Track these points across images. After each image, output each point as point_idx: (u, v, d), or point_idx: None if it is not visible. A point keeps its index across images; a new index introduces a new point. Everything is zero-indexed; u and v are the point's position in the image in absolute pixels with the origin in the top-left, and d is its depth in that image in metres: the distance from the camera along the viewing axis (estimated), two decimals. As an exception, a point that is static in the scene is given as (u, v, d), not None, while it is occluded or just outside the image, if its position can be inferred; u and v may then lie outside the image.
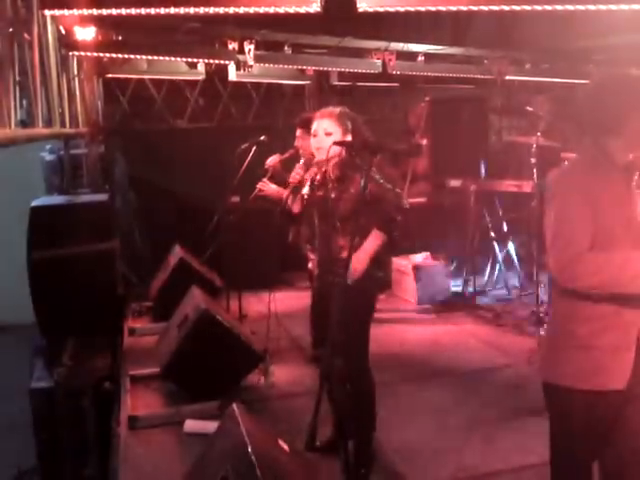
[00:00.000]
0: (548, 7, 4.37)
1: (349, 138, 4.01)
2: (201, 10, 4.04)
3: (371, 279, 4.00)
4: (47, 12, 4.25)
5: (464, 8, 4.35)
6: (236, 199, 6.86)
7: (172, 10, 3.99)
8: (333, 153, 3.93)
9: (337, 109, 4.14)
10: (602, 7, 4.43)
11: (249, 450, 2.86)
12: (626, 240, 2.66)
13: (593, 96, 2.78)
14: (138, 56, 7.14)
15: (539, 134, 6.64)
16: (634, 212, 2.70)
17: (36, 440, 5.63)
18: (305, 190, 4.21)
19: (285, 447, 3.32)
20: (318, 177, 4.21)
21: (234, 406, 3.34)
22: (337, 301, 3.53)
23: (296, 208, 4.30)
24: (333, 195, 4.05)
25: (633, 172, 2.71)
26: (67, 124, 5.48)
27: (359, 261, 3.94)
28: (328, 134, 4.05)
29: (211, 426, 4.18)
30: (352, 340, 3.69)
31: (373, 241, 3.99)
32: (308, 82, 9.79)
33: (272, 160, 5.47)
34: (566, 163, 3.15)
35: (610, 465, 2.86)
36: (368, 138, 4.00)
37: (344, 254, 3.90)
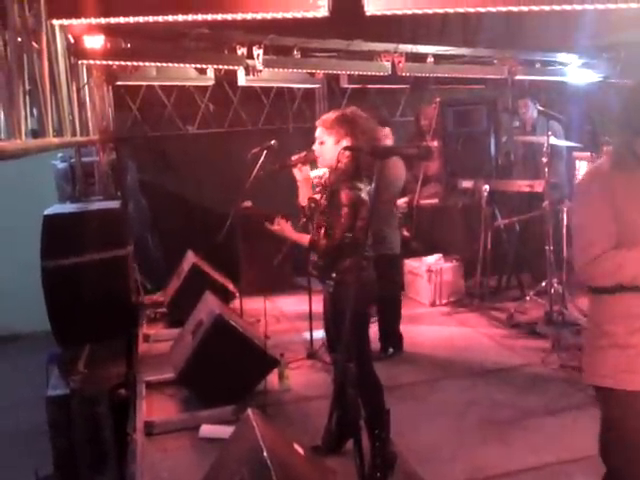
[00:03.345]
0: (557, 7, 4.35)
1: (345, 143, 3.99)
2: (209, 17, 4.04)
3: (360, 282, 3.88)
4: (56, 21, 4.25)
5: (472, 10, 4.33)
6: (248, 203, 6.86)
7: (180, 17, 3.99)
8: (343, 158, 3.93)
9: (333, 115, 4.12)
10: (611, 6, 4.41)
11: (264, 454, 2.86)
12: None
13: (627, 98, 2.83)
14: (147, 63, 7.14)
15: (550, 133, 6.61)
16: None
17: (53, 447, 5.64)
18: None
19: (300, 451, 3.33)
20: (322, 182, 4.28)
21: (249, 411, 3.35)
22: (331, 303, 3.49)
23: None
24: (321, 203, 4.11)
25: None
26: (78, 132, 5.49)
27: (283, 229, 4.14)
28: (321, 143, 4.08)
29: (226, 431, 4.18)
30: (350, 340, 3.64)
31: (301, 237, 4.13)
32: (318, 85, 9.78)
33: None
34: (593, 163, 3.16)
35: None
36: (364, 141, 3.96)
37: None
